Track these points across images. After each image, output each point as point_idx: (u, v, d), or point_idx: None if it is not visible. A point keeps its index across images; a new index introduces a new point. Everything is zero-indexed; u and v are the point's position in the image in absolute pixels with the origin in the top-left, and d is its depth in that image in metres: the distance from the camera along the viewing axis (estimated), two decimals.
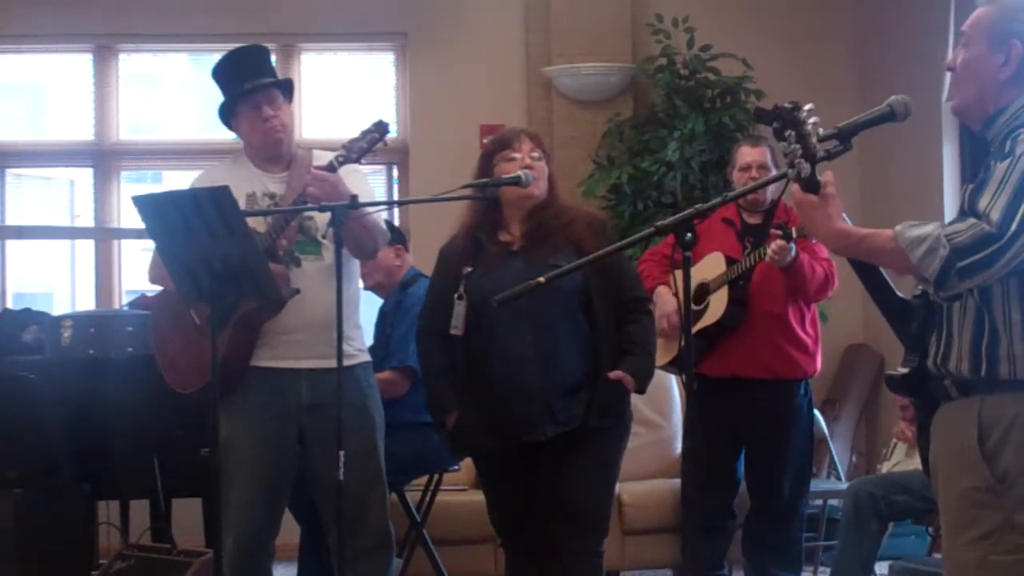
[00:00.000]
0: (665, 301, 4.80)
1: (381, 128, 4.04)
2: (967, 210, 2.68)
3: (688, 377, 2.99)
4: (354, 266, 4.35)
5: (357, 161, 4.06)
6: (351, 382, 4.10)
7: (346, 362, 3.98)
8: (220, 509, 4.02)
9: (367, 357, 4.34)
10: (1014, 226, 2.60)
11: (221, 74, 4.26)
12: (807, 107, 2.74)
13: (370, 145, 4.03)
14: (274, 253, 4.06)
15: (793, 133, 2.74)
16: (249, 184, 4.20)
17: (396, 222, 6.82)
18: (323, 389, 4.06)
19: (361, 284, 5.33)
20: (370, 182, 4.38)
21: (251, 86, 4.18)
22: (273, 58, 7.05)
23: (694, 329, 4.65)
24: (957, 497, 2.74)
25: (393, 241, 5.36)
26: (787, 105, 2.77)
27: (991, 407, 2.69)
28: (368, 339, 5.40)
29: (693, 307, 4.74)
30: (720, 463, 4.80)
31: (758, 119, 3.05)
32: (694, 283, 4.76)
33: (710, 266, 4.84)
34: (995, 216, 2.61)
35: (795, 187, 2.79)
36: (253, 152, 4.28)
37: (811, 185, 2.78)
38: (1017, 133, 2.70)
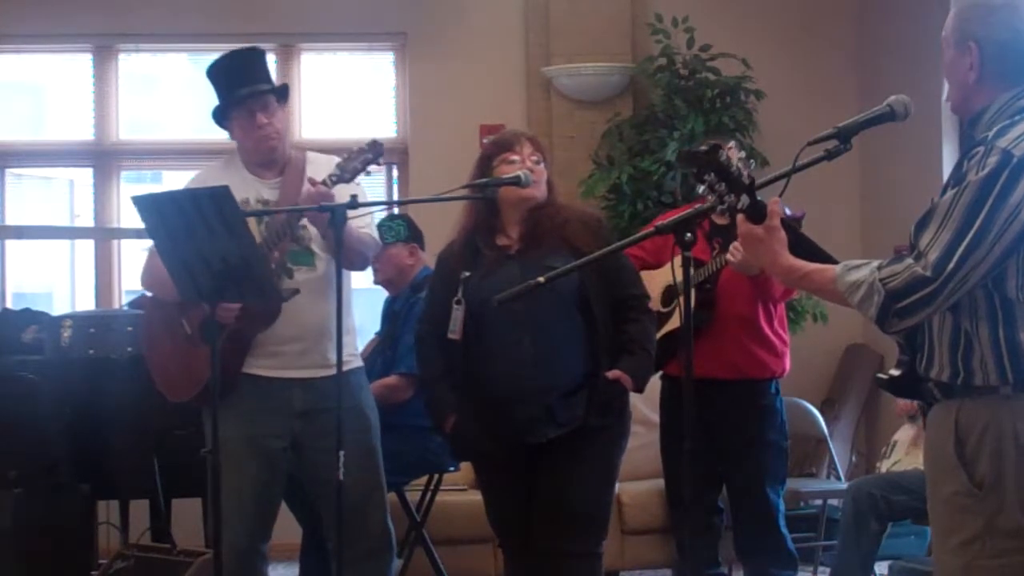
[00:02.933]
0: None
1: (376, 149, 4.02)
2: (912, 242, 2.67)
3: (688, 378, 2.98)
4: (348, 273, 4.34)
5: (350, 181, 4.04)
6: (344, 387, 4.08)
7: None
8: (220, 509, 4.02)
9: (359, 362, 4.35)
10: (951, 266, 2.58)
11: (216, 76, 4.24)
12: (729, 145, 2.74)
13: (363, 166, 4.01)
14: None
15: (713, 173, 2.74)
16: (242, 190, 4.16)
17: None
18: (315, 396, 4.09)
19: (370, 279, 5.34)
20: (367, 194, 4.35)
21: (246, 92, 4.16)
22: (272, 58, 7.09)
23: (661, 332, 4.65)
24: (942, 502, 2.74)
25: (409, 239, 5.36)
26: (703, 148, 2.80)
27: (967, 413, 2.69)
28: (369, 334, 5.42)
29: (661, 309, 4.75)
30: (700, 460, 4.79)
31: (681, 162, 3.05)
32: (662, 286, 4.76)
33: (679, 268, 4.81)
34: (933, 256, 2.60)
35: (740, 218, 2.79)
36: (246, 156, 4.27)
37: (756, 214, 2.78)
38: (974, 152, 2.66)
